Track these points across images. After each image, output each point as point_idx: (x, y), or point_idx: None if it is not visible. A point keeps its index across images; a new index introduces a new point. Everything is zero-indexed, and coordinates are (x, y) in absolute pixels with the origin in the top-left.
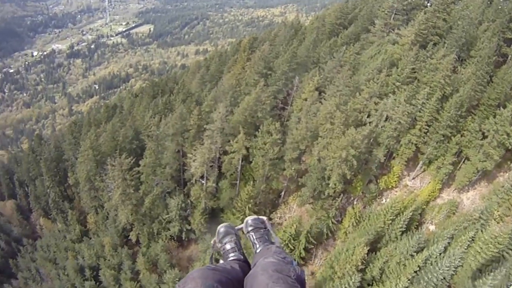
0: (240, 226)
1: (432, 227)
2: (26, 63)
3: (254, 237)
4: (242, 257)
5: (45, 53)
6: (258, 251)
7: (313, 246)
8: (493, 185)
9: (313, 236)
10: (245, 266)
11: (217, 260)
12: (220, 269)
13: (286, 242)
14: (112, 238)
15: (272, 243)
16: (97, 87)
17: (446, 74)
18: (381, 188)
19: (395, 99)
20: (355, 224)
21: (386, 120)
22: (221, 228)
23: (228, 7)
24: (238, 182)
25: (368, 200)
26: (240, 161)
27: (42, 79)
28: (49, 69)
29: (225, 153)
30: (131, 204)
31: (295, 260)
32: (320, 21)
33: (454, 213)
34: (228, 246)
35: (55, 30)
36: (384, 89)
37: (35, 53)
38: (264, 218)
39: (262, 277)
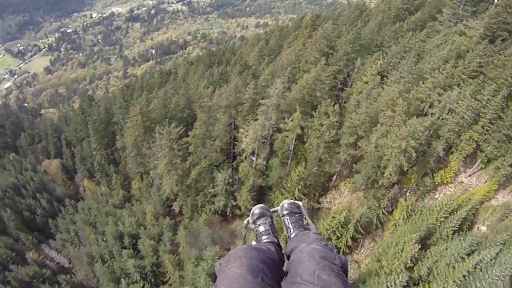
0: (275, 209)
1: (483, 228)
2: (85, 24)
3: (289, 221)
4: (276, 240)
5: (104, 15)
6: (293, 235)
7: (360, 236)
8: None
9: (362, 225)
10: (279, 249)
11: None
12: (263, 250)
13: (334, 229)
14: (155, 206)
15: (306, 229)
16: (153, 52)
17: None
18: (436, 183)
19: (459, 92)
20: (406, 217)
21: (449, 113)
22: (256, 209)
23: None
24: (289, 161)
25: (421, 193)
26: (294, 141)
27: (99, 41)
28: (107, 31)
29: (279, 130)
30: (177, 175)
31: (336, 247)
32: (386, 4)
33: (507, 217)
34: (262, 228)
35: None
36: (449, 81)
37: (94, 15)
38: (300, 203)
39: (309, 263)
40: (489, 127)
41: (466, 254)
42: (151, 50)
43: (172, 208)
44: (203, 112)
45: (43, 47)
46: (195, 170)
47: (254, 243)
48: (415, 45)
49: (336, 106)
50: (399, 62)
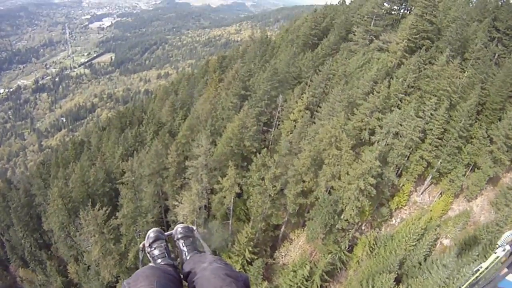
0: (169, 232)
1: (446, 241)
2: None
3: (184, 245)
4: (171, 262)
5: (11, 89)
6: (188, 258)
7: (326, 283)
8: (498, 187)
9: (327, 272)
10: (177, 270)
11: (145, 264)
12: (166, 270)
13: (299, 284)
14: None
15: (200, 252)
16: (64, 120)
17: (452, 80)
18: (392, 210)
19: (401, 114)
20: (369, 251)
21: (395, 136)
22: (151, 233)
23: (185, 30)
24: (230, 221)
25: (378, 224)
26: (232, 200)
27: (11, 116)
28: (16, 105)
29: (213, 191)
30: (114, 259)
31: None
32: (293, 33)
33: (467, 224)
34: (156, 252)
35: (20, 65)
36: (386, 103)
37: (1, 91)
38: (194, 227)
39: (215, 280)
40: (437, 142)
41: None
42: (62, 118)
43: None
44: (128, 188)
45: None
46: (132, 252)
47: (153, 265)
48: (338, 70)
49: (275, 156)
50: (324, 92)
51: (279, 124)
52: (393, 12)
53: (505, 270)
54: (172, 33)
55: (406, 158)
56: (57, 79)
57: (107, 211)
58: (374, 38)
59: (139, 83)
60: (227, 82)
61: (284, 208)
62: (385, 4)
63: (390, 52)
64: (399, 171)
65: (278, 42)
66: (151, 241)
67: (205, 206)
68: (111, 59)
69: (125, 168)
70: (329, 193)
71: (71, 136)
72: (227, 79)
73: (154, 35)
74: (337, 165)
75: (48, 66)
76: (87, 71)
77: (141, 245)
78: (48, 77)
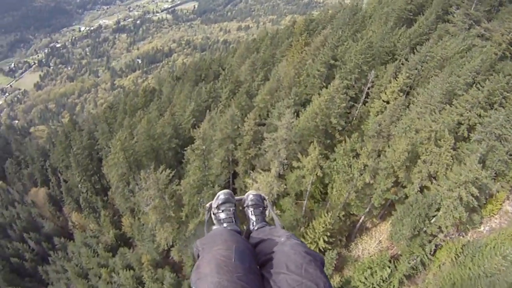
0: (240, 197)
1: None
2: (73, 37)
3: (253, 213)
4: (238, 228)
5: (92, 28)
6: (256, 228)
7: (403, 285)
8: None
9: (406, 275)
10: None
11: (210, 225)
12: (238, 235)
13: (374, 285)
14: (151, 254)
15: (266, 223)
16: (140, 62)
17: None
18: (482, 217)
19: (507, 115)
20: (454, 259)
21: (497, 138)
22: (221, 194)
23: None
24: (305, 201)
25: (465, 228)
26: (311, 182)
27: (88, 53)
28: (94, 43)
29: (291, 168)
30: (172, 227)
31: None
32: (386, 5)
33: None
34: (223, 215)
35: (103, 7)
36: (489, 98)
37: (82, 28)
38: (266, 196)
39: (295, 256)
40: None
41: None
42: (137, 60)
43: (171, 257)
44: (197, 155)
45: (33, 63)
46: (193, 223)
47: (214, 227)
48: (436, 53)
49: (369, 145)
50: (419, 74)
51: (367, 101)
52: None
53: None
54: None
55: (507, 166)
56: (138, 21)
57: (171, 174)
58: (474, 23)
59: (219, 33)
60: (314, 47)
61: (369, 199)
62: None
63: (493, 42)
64: (495, 176)
65: (369, 12)
66: (219, 202)
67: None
68: (194, 7)
69: (195, 135)
70: (422, 192)
71: (144, 78)
72: (314, 44)
73: None
74: (435, 163)
75: (131, 9)
76: (169, 16)
77: (208, 205)
78: (130, 19)
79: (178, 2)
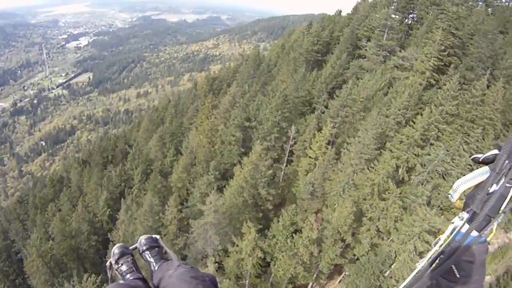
0: (134, 246)
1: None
2: None
3: (150, 256)
4: (141, 276)
5: None
6: (156, 268)
7: None
8: None
9: None
10: (146, 284)
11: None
12: (132, 285)
13: None
14: None
15: (168, 260)
16: (44, 144)
17: (495, 107)
18: None
19: (446, 149)
20: None
21: (441, 176)
22: (115, 249)
23: (162, 46)
24: (247, 282)
25: None
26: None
27: None
28: None
29: (226, 252)
30: None
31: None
32: (291, 50)
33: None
34: (124, 267)
35: None
36: (424, 135)
37: None
38: (158, 236)
39: (181, 285)
40: None
41: None
42: (41, 142)
43: None
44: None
45: None
46: None
47: (121, 282)
48: (359, 96)
49: (311, 217)
50: (344, 121)
51: (291, 160)
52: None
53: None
54: (149, 50)
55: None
56: (35, 101)
57: (97, 281)
58: (389, 54)
59: (119, 102)
60: (224, 109)
61: (316, 266)
62: (393, 15)
63: (414, 71)
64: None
65: (273, 60)
66: (116, 257)
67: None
68: (89, 78)
69: (114, 240)
70: (372, 250)
71: (51, 161)
72: (223, 106)
73: (132, 52)
74: (383, 218)
75: (26, 87)
76: (65, 92)
77: (108, 263)
78: (26, 99)
79: (72, 75)
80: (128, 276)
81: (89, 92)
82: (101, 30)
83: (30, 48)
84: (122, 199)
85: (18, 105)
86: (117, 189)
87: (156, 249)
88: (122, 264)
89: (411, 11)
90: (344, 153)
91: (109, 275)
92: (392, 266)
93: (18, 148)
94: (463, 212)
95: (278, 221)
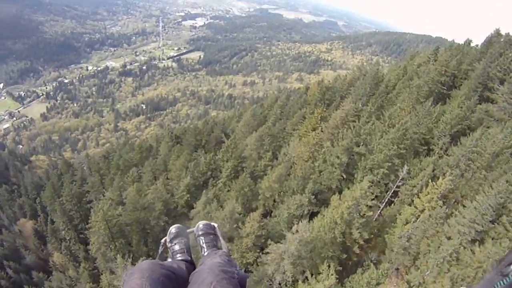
0: (191, 229)
1: None
2: (80, 75)
3: (203, 242)
4: (189, 258)
5: (99, 68)
6: (205, 254)
7: None
8: None
9: None
10: (191, 267)
11: (165, 258)
12: (168, 265)
13: None
14: None
15: (220, 249)
16: (144, 107)
17: None
18: None
19: None
20: None
21: None
22: (173, 228)
23: (275, 41)
24: None
25: None
26: None
27: (94, 93)
28: (101, 84)
29: (294, 284)
30: None
31: (239, 266)
32: (414, 75)
33: None
34: (177, 247)
35: (111, 48)
36: None
37: (89, 67)
38: (215, 224)
39: (208, 275)
40: None
41: None
42: (142, 105)
43: None
44: None
45: (41, 94)
46: None
47: (169, 260)
48: (485, 151)
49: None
50: (462, 176)
51: (392, 201)
52: None
53: None
54: (262, 42)
55: None
56: (144, 67)
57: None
58: None
59: (224, 86)
60: (333, 124)
61: None
62: None
63: None
64: None
65: (393, 81)
66: (172, 236)
67: None
68: (200, 57)
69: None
70: None
71: (147, 124)
72: (333, 121)
73: (245, 41)
74: None
75: (137, 53)
76: (174, 64)
77: (162, 240)
78: (136, 64)
79: (184, 51)
80: (178, 256)
81: (197, 70)
82: (218, 15)
83: (147, 19)
84: (204, 189)
85: (127, 67)
86: (202, 176)
87: (211, 236)
88: (175, 244)
89: None
90: (454, 214)
91: (159, 251)
92: None
93: (119, 105)
94: None
95: (362, 273)
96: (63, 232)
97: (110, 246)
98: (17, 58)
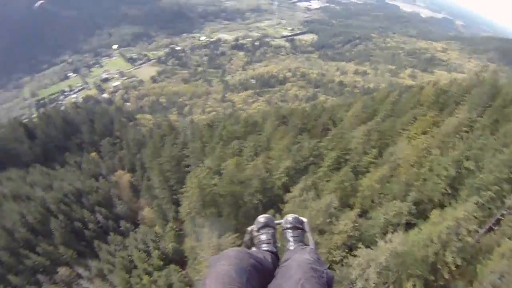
0: (279, 221)
1: None
2: (192, 44)
3: (291, 235)
4: (275, 250)
5: (211, 39)
6: (291, 248)
7: None
8: None
9: None
10: (276, 259)
11: (249, 247)
12: (255, 255)
13: None
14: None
15: (306, 245)
16: (253, 82)
17: None
18: None
19: None
20: None
21: None
22: (261, 218)
23: (391, 32)
24: None
25: None
26: None
27: (204, 62)
28: (212, 54)
29: None
30: None
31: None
32: None
33: None
34: (263, 237)
35: (224, 21)
36: None
37: (202, 38)
38: (305, 219)
39: (296, 271)
40: None
41: None
42: (252, 80)
43: None
44: None
45: (152, 58)
46: None
47: (254, 249)
48: None
49: None
50: None
51: (492, 229)
52: None
53: None
54: (377, 32)
55: None
56: (257, 43)
57: (235, 242)
58: None
59: (335, 72)
60: (445, 132)
61: None
62: None
63: None
64: None
65: (511, 95)
66: (260, 226)
67: None
68: (313, 40)
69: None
70: None
71: (255, 99)
72: (445, 127)
73: (360, 29)
74: None
75: (251, 29)
76: (287, 44)
77: (249, 228)
78: (248, 39)
79: (298, 31)
80: (263, 246)
81: (310, 52)
82: None
83: None
84: (304, 174)
85: (240, 41)
86: (304, 161)
87: (299, 230)
88: (262, 234)
89: None
90: None
91: (245, 239)
92: None
93: (229, 77)
94: None
95: None
96: (157, 190)
97: (201, 213)
98: (131, 23)
